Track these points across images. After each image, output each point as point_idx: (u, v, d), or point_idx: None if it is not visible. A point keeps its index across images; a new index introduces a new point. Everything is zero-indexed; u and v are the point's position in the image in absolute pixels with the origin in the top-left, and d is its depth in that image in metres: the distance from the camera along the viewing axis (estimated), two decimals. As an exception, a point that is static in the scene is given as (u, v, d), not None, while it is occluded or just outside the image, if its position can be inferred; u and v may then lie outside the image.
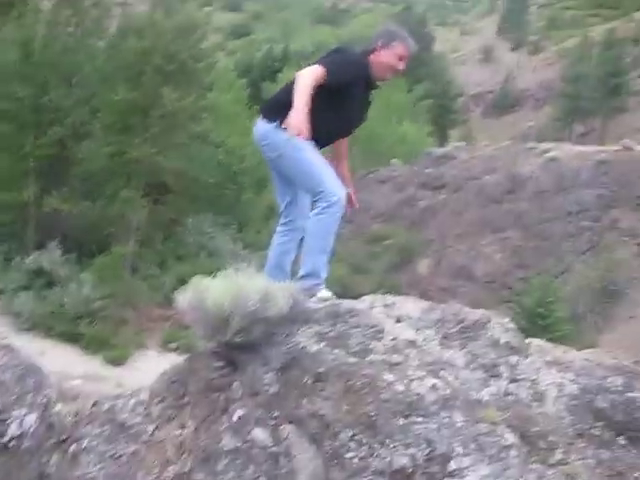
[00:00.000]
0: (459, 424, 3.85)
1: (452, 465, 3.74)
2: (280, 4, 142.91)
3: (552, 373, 4.28)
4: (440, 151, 44.25)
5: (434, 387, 3.94)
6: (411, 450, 3.75)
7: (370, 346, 4.17)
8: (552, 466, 3.88)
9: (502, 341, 4.34)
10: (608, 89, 71.92)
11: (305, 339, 4.25)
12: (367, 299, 4.68)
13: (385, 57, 5.37)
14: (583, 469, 3.91)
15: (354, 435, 3.80)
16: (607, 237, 34.61)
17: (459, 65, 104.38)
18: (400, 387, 3.90)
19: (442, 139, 62.98)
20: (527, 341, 4.54)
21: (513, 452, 3.84)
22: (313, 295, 4.90)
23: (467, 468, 3.73)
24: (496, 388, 4.11)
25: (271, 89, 60.24)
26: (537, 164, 38.82)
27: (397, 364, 4.07)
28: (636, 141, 43.70)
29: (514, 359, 4.28)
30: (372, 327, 4.28)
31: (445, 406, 3.89)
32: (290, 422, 4.00)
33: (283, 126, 5.02)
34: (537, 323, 27.45)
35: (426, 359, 4.15)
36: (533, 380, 4.21)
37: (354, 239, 40.04)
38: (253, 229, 39.48)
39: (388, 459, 3.75)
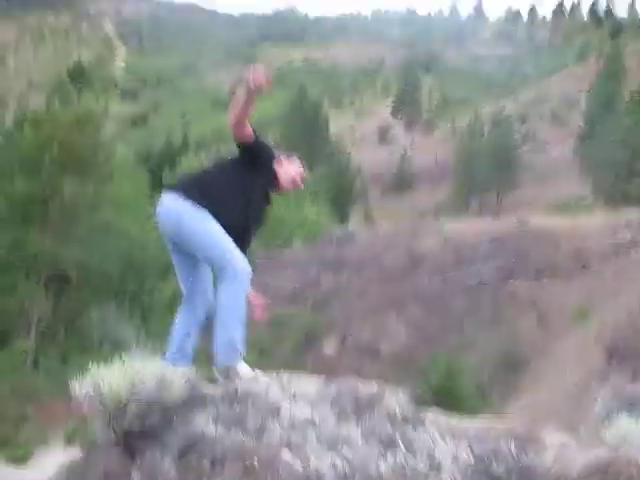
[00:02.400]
0: (359, 499, 3.89)
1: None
2: (178, 92, 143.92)
3: (447, 442, 4.36)
4: (341, 232, 44.75)
5: (333, 464, 3.97)
6: (312, 529, 3.77)
7: (267, 426, 4.19)
8: (451, 536, 3.95)
9: (397, 413, 4.41)
10: (501, 165, 74.08)
11: (203, 422, 4.24)
12: (263, 379, 4.70)
13: (289, 169, 5.51)
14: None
15: (254, 517, 3.80)
16: (507, 309, 35.31)
17: (356, 146, 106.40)
18: (299, 467, 3.92)
19: (342, 220, 63.66)
20: (422, 412, 4.62)
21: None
22: (233, 371, 4.84)
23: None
24: (393, 460, 4.16)
25: (171, 177, 60.46)
26: (436, 241, 39.55)
27: (295, 443, 4.10)
28: (530, 214, 45.05)
29: (410, 431, 4.34)
30: (269, 407, 4.30)
31: (345, 482, 3.92)
32: (190, 507, 3.97)
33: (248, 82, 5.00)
34: (444, 398, 27.69)
35: (324, 436, 4.18)
36: (429, 450, 4.27)
37: (259, 323, 39.93)
38: (157, 317, 39.04)
39: (289, 539, 3.76)
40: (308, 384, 4.63)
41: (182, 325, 5.44)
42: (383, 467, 4.11)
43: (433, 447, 4.30)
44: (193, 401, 4.35)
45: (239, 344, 5.02)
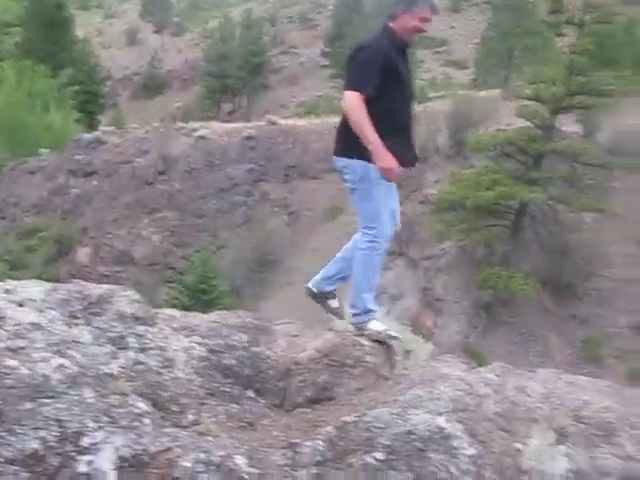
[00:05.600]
0: (90, 400, 3.85)
1: (86, 441, 3.73)
2: None
3: (180, 339, 4.40)
4: (89, 137, 43.45)
5: (61, 367, 3.90)
6: (41, 433, 3.70)
7: (-9, 334, 4.05)
8: (185, 427, 4.01)
9: (129, 313, 4.38)
10: (251, 68, 74.22)
11: None
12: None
13: (409, 22, 5.31)
14: (215, 425, 4.07)
15: (-21, 427, 3.69)
16: (259, 210, 35.89)
17: (104, 49, 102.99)
18: (25, 371, 3.82)
19: (91, 125, 61.56)
20: (155, 310, 4.62)
21: (146, 419, 3.91)
22: (364, 329, 5.11)
23: (101, 442, 3.75)
24: (125, 360, 4.15)
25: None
26: (187, 144, 39.33)
27: (21, 349, 3.99)
28: (280, 116, 45.61)
29: (141, 329, 4.34)
30: (-7, 315, 4.15)
31: (74, 384, 3.87)
32: None
33: (379, 172, 5.12)
34: (200, 299, 27.97)
35: (52, 340, 4.09)
36: (162, 347, 4.29)
37: (8, 234, 38.54)
38: None
39: (18, 446, 3.67)
40: (35, 289, 4.50)
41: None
42: (114, 366, 4.09)
43: (166, 344, 4.33)
44: None
45: (371, 306, 5.31)
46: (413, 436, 3.92)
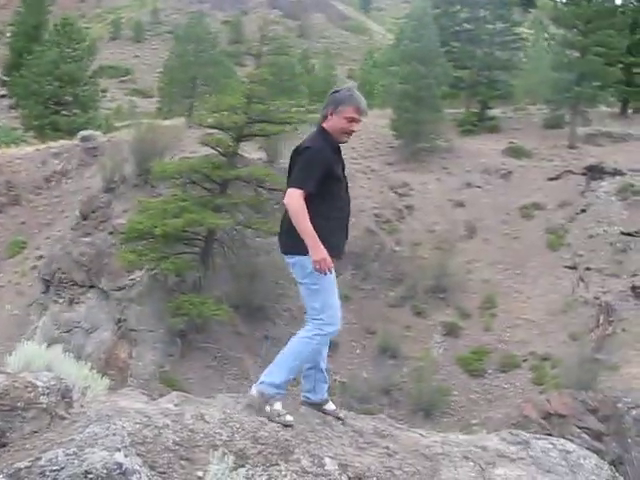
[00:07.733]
0: None
1: None
2: None
3: None
4: None
5: None
6: None
7: None
8: None
9: None
10: None
11: None
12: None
13: (337, 123, 5.54)
14: None
15: None
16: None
17: None
18: None
19: None
20: None
21: None
22: (267, 402, 5.29)
23: None
24: None
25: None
26: None
27: None
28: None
29: None
30: None
31: None
32: None
33: (312, 267, 5.30)
34: None
35: None
36: None
37: None
38: None
39: None
40: None
41: None
42: None
43: None
44: None
45: (283, 387, 5.47)
46: (91, 475, 3.89)
